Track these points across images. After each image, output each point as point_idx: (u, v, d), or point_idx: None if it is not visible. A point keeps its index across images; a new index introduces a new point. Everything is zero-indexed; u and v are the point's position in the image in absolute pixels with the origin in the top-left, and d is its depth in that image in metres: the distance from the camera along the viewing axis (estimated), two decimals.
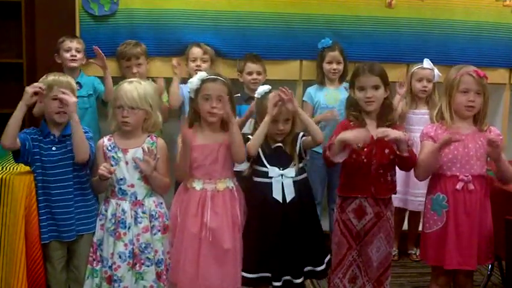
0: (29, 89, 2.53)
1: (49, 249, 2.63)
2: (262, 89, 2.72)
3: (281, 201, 2.60)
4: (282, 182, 2.61)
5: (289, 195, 2.61)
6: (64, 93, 2.56)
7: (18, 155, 2.58)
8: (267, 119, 2.59)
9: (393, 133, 2.45)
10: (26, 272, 2.54)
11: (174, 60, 3.57)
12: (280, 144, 2.66)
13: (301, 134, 2.71)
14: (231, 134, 2.58)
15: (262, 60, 3.60)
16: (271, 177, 2.62)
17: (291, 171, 2.63)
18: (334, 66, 3.61)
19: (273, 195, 2.60)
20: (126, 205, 2.60)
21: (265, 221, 2.61)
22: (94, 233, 2.66)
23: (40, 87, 2.55)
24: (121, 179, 2.61)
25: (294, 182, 2.63)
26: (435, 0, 3.86)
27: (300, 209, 2.65)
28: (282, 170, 2.62)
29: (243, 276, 2.61)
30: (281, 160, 2.61)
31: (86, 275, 2.63)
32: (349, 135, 2.43)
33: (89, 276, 2.62)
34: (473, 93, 2.52)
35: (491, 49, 3.94)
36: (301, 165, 2.69)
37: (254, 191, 2.68)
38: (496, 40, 3.94)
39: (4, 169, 2.64)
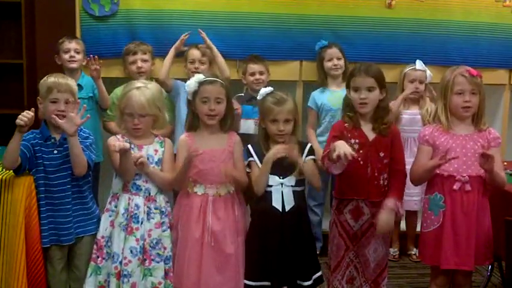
0: (19, 121, 2.47)
1: (49, 250, 2.62)
2: (264, 90, 2.72)
3: (281, 210, 2.59)
4: (282, 190, 2.60)
5: (289, 204, 2.60)
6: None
7: (19, 168, 2.56)
8: (265, 160, 2.56)
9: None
10: (26, 272, 2.54)
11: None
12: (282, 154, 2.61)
13: (309, 145, 2.70)
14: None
15: (264, 60, 3.61)
16: (271, 186, 2.61)
17: (290, 180, 2.61)
18: (335, 62, 3.61)
19: (273, 204, 2.59)
20: (140, 200, 2.61)
21: (265, 229, 2.60)
22: (95, 234, 2.66)
23: (27, 117, 2.47)
24: (137, 174, 2.61)
25: (294, 192, 2.62)
26: (435, 1, 3.86)
27: (298, 220, 2.63)
28: (282, 178, 2.61)
29: (245, 284, 2.60)
30: (282, 168, 2.58)
31: (89, 272, 2.62)
32: (338, 147, 2.37)
33: (92, 274, 2.61)
34: (468, 93, 2.52)
35: (491, 50, 3.94)
36: (302, 177, 2.65)
37: (255, 199, 2.66)
38: (495, 41, 3.94)
39: (4, 169, 2.63)
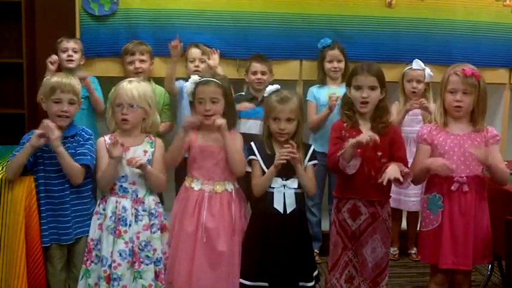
0: (38, 132, 2.50)
1: (49, 249, 2.62)
2: (271, 88, 2.72)
3: (282, 212, 2.58)
4: (284, 192, 2.60)
5: (290, 206, 2.59)
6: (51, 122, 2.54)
7: (23, 172, 2.57)
8: (272, 168, 2.56)
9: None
10: (26, 271, 2.54)
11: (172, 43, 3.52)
12: None
13: (312, 148, 2.70)
14: (225, 147, 2.59)
15: (269, 61, 3.59)
16: (273, 187, 2.60)
17: (293, 183, 2.60)
18: (335, 64, 3.61)
19: (274, 206, 2.58)
20: (127, 203, 2.60)
21: (265, 230, 2.59)
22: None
23: (46, 129, 2.50)
24: (123, 177, 2.61)
25: (296, 194, 2.61)
26: (435, 0, 3.87)
27: (299, 222, 2.63)
28: (285, 180, 2.60)
29: (241, 283, 2.59)
30: (284, 170, 2.57)
31: (80, 275, 2.62)
32: (359, 137, 2.43)
33: (83, 277, 2.61)
34: (460, 92, 2.51)
35: (491, 49, 3.95)
36: None
37: (256, 200, 2.66)
38: (496, 40, 3.95)
39: (4, 169, 2.63)
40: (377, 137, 2.43)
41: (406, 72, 3.68)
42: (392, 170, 2.43)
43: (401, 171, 2.45)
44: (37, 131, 2.51)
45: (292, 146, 2.52)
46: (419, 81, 3.64)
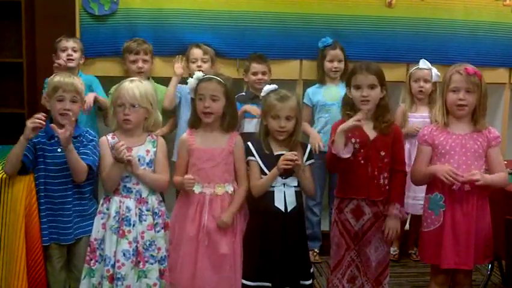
0: (30, 124, 2.48)
1: (49, 249, 2.62)
2: (268, 87, 2.72)
3: (283, 210, 2.59)
4: (284, 191, 2.60)
5: (291, 204, 2.59)
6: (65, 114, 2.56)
7: (22, 171, 2.57)
8: (275, 171, 2.56)
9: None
10: (27, 271, 2.54)
11: (176, 60, 3.56)
12: (284, 152, 2.59)
13: (310, 147, 2.71)
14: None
15: (268, 60, 3.60)
16: (273, 186, 2.60)
17: (293, 181, 2.61)
18: (335, 64, 3.62)
19: (275, 204, 2.58)
20: (131, 203, 2.59)
21: (267, 229, 2.59)
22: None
23: (40, 120, 2.49)
24: (127, 177, 2.60)
25: (296, 192, 2.62)
26: (435, 0, 3.86)
27: (298, 220, 2.64)
28: (285, 178, 2.60)
29: (243, 284, 2.59)
30: (284, 169, 2.56)
31: (83, 274, 2.61)
32: (346, 123, 2.47)
33: (85, 276, 2.60)
34: (463, 91, 2.50)
35: (491, 49, 3.94)
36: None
37: (256, 199, 2.65)
38: (495, 40, 3.95)
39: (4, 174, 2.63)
40: (360, 116, 2.47)
41: (413, 72, 3.67)
42: (393, 229, 2.59)
43: (400, 218, 2.61)
44: (29, 123, 2.49)
45: (297, 155, 2.54)
46: (426, 81, 3.63)
